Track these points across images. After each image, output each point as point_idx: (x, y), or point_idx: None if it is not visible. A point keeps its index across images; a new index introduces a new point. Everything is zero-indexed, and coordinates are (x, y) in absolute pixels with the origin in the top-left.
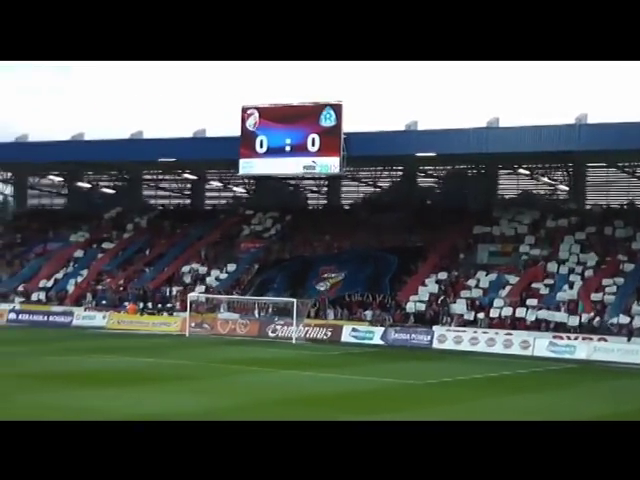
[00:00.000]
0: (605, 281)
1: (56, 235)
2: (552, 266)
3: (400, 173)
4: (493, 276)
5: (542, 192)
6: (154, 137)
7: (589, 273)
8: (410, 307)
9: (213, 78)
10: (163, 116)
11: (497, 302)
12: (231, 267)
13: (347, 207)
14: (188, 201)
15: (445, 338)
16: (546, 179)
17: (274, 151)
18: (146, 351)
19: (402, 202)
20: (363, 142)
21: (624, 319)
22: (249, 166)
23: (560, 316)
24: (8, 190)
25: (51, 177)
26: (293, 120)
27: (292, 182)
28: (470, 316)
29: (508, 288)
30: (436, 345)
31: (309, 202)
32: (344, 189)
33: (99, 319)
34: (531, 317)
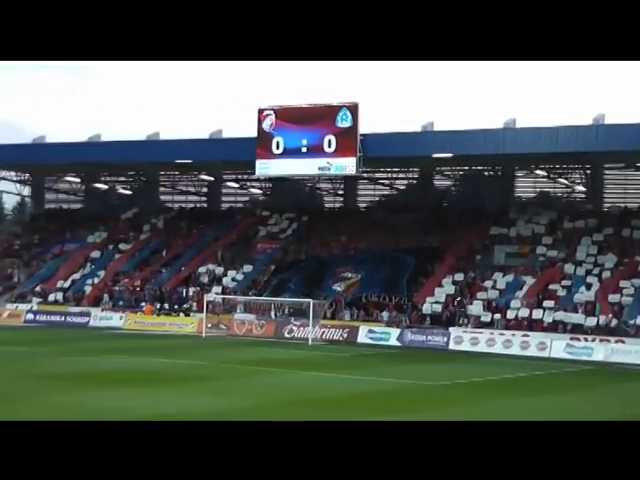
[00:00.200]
0: (623, 283)
1: (73, 236)
2: (569, 267)
3: (416, 174)
4: (510, 277)
5: (559, 193)
6: (170, 138)
7: (606, 274)
8: (426, 308)
9: (229, 79)
10: (179, 117)
11: (514, 303)
12: (247, 268)
13: (363, 208)
14: (205, 202)
15: (461, 339)
16: (563, 180)
17: (290, 152)
18: (163, 352)
19: (419, 203)
20: (379, 143)
21: None
22: (265, 167)
23: (577, 318)
24: (26, 191)
25: (68, 178)
26: (309, 121)
27: (308, 183)
28: (487, 317)
29: (525, 289)
30: (452, 346)
31: (325, 203)
32: (360, 190)
33: (116, 320)
34: (548, 319)
